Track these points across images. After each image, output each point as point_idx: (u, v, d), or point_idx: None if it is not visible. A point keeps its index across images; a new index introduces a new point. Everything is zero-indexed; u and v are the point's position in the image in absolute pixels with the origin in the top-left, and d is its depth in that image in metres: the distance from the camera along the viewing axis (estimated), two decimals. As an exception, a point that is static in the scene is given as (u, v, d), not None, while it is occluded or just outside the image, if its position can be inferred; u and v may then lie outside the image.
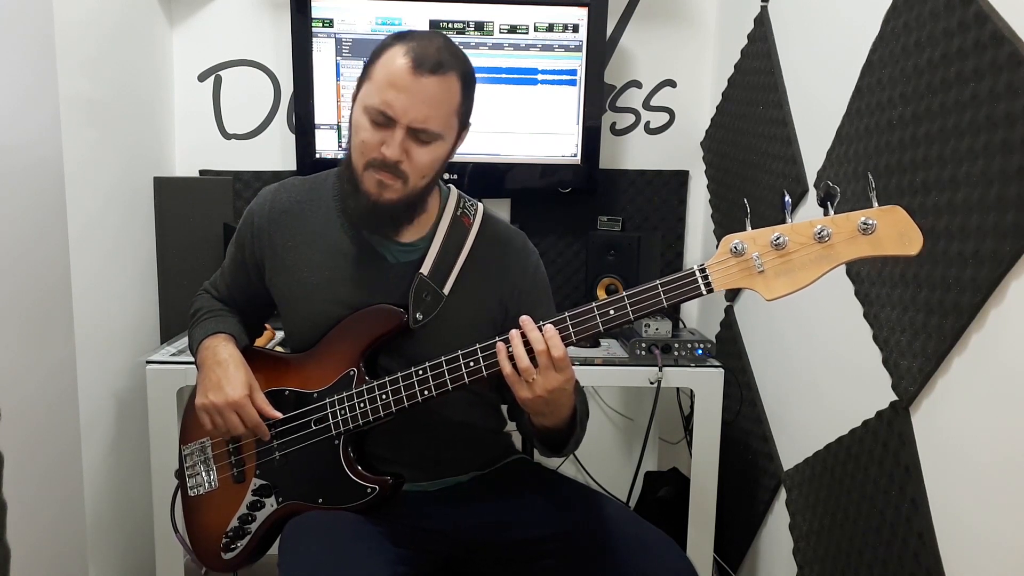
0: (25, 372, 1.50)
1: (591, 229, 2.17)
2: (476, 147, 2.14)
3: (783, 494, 1.77)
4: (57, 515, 1.64)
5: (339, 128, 2.14)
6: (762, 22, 1.92)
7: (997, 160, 1.07)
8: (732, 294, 2.10)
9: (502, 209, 2.29)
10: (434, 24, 2.09)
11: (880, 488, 1.35)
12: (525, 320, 1.13)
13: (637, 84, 2.32)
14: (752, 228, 1.05)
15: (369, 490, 1.25)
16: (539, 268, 1.36)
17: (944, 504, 1.20)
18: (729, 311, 2.12)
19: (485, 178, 2.16)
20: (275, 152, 2.28)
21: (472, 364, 1.17)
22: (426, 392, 1.20)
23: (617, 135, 2.33)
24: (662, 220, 2.36)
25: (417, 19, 2.08)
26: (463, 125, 1.25)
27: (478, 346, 1.17)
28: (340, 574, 1.13)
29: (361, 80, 1.22)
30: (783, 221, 1.05)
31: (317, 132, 2.14)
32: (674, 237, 2.37)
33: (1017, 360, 1.05)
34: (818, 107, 1.63)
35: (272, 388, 1.30)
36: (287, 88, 2.24)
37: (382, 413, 1.23)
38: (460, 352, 1.18)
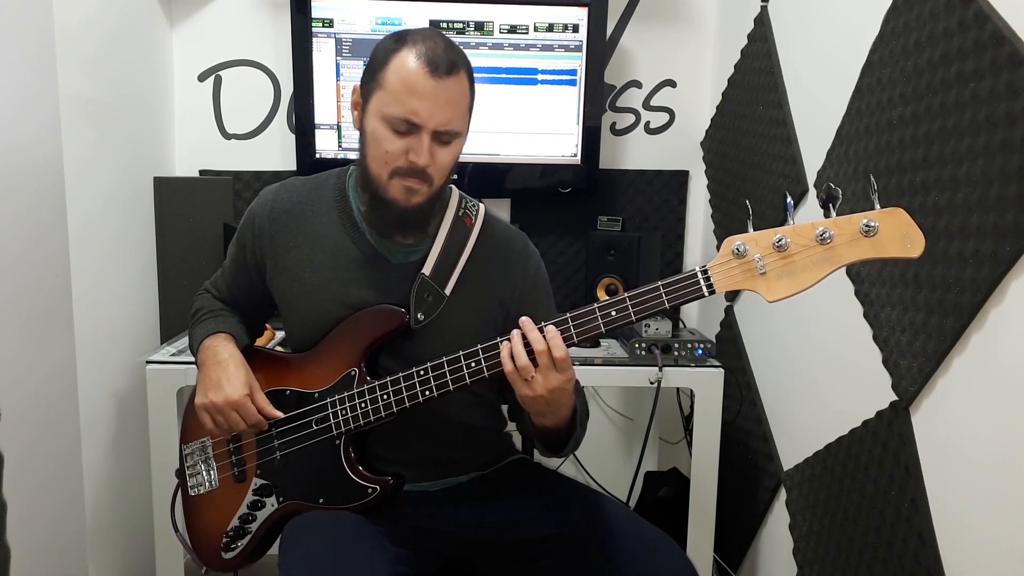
0: (25, 372, 1.50)
1: (591, 229, 2.17)
2: (476, 147, 2.14)
3: (783, 494, 1.77)
4: (57, 515, 1.64)
5: (339, 128, 2.14)
6: (762, 22, 1.92)
7: (997, 160, 1.07)
8: (732, 294, 2.10)
9: (502, 209, 2.29)
10: (434, 24, 2.09)
11: (880, 488, 1.36)
12: (525, 321, 1.13)
13: (637, 84, 2.32)
14: (754, 230, 1.05)
15: (370, 490, 1.25)
16: (540, 269, 1.36)
17: (944, 504, 1.20)
18: (729, 311, 2.12)
19: (485, 178, 2.16)
20: (275, 152, 2.28)
21: (473, 364, 1.17)
22: (427, 392, 1.20)
23: (617, 135, 2.33)
24: (662, 220, 2.36)
25: (417, 19, 2.08)
26: (471, 119, 1.26)
27: (479, 346, 1.17)
28: (340, 574, 1.13)
29: (370, 88, 1.20)
30: (784, 222, 1.06)
31: (317, 132, 2.14)
32: (674, 237, 2.37)
33: (1017, 360, 1.05)
34: (818, 107, 1.63)
35: (273, 388, 1.30)
36: (287, 88, 2.24)
37: (383, 413, 1.23)
38: (461, 352, 1.18)
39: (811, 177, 1.64)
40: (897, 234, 1.00)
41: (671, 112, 2.33)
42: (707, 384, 1.85)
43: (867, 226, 1.00)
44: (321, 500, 1.27)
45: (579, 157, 2.17)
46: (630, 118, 2.33)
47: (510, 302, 1.32)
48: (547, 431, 1.23)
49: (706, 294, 1.07)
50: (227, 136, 2.28)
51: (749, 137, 1.98)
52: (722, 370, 1.85)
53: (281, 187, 1.35)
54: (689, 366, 1.85)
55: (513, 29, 2.10)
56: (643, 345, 1.86)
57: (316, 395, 1.28)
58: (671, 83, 2.32)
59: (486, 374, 1.17)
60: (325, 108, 2.12)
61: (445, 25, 2.09)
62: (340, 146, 2.15)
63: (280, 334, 1.91)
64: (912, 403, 1.27)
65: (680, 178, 2.35)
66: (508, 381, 1.14)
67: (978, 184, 1.10)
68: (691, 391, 1.90)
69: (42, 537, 1.57)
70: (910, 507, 1.26)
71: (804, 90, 1.72)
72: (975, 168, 1.11)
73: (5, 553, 1.39)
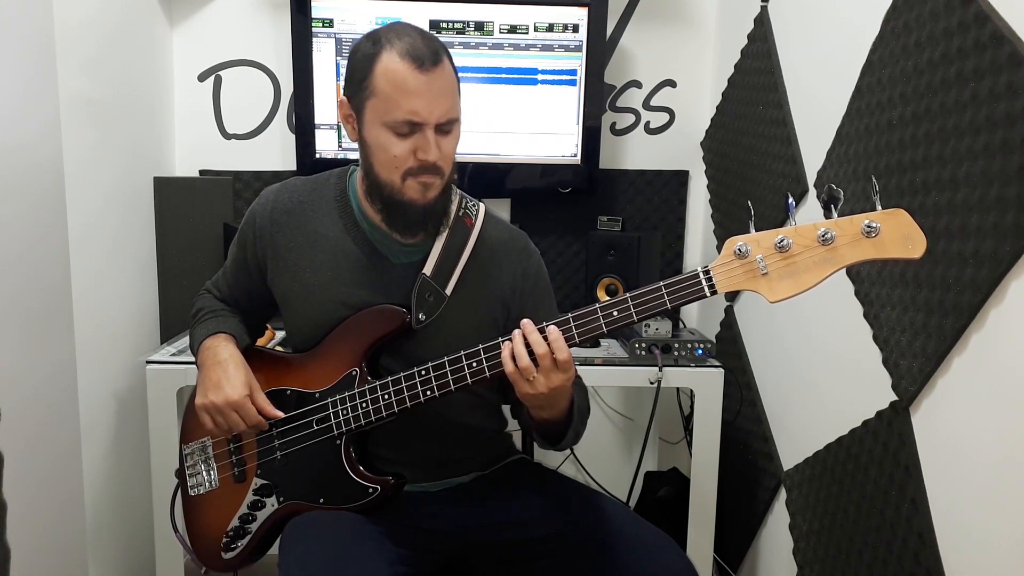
0: (25, 372, 1.50)
1: (591, 229, 2.17)
2: (476, 147, 2.14)
3: (783, 494, 1.77)
4: (57, 515, 1.64)
5: (339, 128, 2.14)
6: (762, 22, 1.92)
7: (997, 160, 1.07)
8: (733, 295, 2.10)
9: (502, 209, 2.29)
10: (434, 24, 2.09)
11: (880, 488, 1.36)
12: (526, 323, 1.13)
13: (637, 84, 2.32)
14: (755, 230, 1.05)
15: (371, 490, 1.25)
16: (541, 269, 1.36)
17: (944, 504, 1.20)
18: (729, 311, 2.12)
19: (485, 178, 2.16)
20: (275, 152, 2.28)
21: (475, 364, 1.17)
22: (428, 392, 1.20)
23: (617, 135, 2.33)
24: (662, 220, 2.36)
25: (417, 19, 2.08)
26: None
27: (481, 346, 1.17)
28: (340, 574, 1.13)
29: (360, 98, 1.19)
30: (785, 222, 1.06)
31: (317, 132, 2.14)
32: (674, 237, 2.38)
33: (1017, 360, 1.05)
34: (818, 107, 1.63)
35: (274, 388, 1.30)
36: (287, 88, 2.24)
37: (384, 413, 1.23)
38: (463, 352, 1.18)
39: (811, 177, 1.64)
40: (899, 235, 1.00)
41: (671, 112, 2.33)
42: (707, 384, 1.85)
43: (869, 227, 1.00)
44: (321, 500, 1.27)
45: (579, 157, 2.17)
46: (630, 118, 2.33)
47: (511, 302, 1.32)
48: (546, 423, 1.23)
49: (708, 295, 1.07)
50: (227, 136, 2.28)
51: (749, 137, 1.98)
52: (722, 370, 1.85)
53: (282, 187, 1.35)
54: (689, 366, 1.85)
55: (513, 29, 2.10)
56: (643, 345, 1.86)
57: (317, 395, 1.28)
58: (671, 83, 2.32)
59: (487, 374, 1.17)
60: (325, 108, 2.12)
61: (445, 25, 2.09)
62: (340, 146, 2.15)
63: (280, 334, 1.90)
64: (912, 403, 1.27)
65: (680, 178, 2.35)
66: (509, 380, 1.14)
67: (978, 184, 1.10)
68: (691, 391, 1.90)
69: (42, 537, 1.57)
70: (910, 507, 1.26)
71: (804, 90, 1.72)
72: (975, 168, 1.11)
73: (5, 553, 1.39)
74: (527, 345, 1.12)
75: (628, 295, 1.11)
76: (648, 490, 2.27)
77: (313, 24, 2.08)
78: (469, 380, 1.18)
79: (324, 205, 1.31)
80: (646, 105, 2.33)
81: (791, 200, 1.07)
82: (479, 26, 2.10)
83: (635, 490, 2.25)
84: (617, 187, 2.33)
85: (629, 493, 2.23)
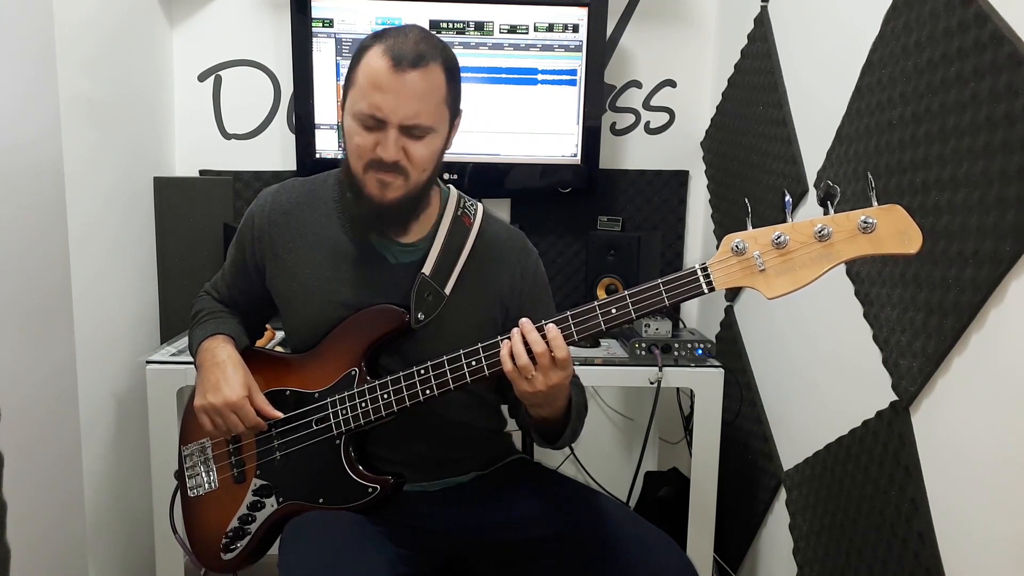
0: (25, 372, 1.50)
1: (591, 229, 2.17)
2: (476, 147, 2.14)
3: (783, 494, 1.77)
4: (57, 515, 1.64)
5: (339, 128, 2.13)
6: (762, 22, 1.92)
7: (997, 160, 1.07)
8: (732, 294, 2.10)
9: (502, 209, 2.29)
10: (434, 24, 2.09)
11: (880, 488, 1.35)
12: (524, 322, 1.13)
13: (637, 84, 2.32)
14: (753, 227, 1.05)
15: (370, 490, 1.25)
16: (539, 268, 1.36)
17: (944, 504, 1.20)
18: (729, 311, 2.12)
19: (485, 178, 2.16)
20: (275, 152, 2.28)
21: (474, 363, 1.17)
22: (427, 391, 1.20)
23: (617, 135, 2.33)
24: (662, 220, 2.36)
25: (417, 19, 2.07)
26: (454, 113, 1.25)
27: (480, 345, 1.17)
28: (340, 574, 1.13)
29: (346, 86, 1.21)
30: (784, 220, 1.06)
31: (317, 132, 2.14)
32: (674, 237, 2.37)
33: (1017, 360, 1.05)
34: (818, 107, 1.63)
35: (273, 388, 1.30)
36: (287, 88, 2.24)
37: (383, 413, 1.23)
38: (462, 351, 1.18)
39: (811, 177, 1.64)
40: (895, 230, 1.00)
41: (671, 112, 2.33)
42: (707, 384, 1.85)
43: (865, 222, 1.00)
44: (321, 500, 1.27)
45: (579, 157, 2.17)
46: (630, 118, 2.33)
47: (509, 301, 1.32)
48: (544, 421, 1.23)
49: (706, 291, 1.07)
50: (227, 136, 2.28)
51: (749, 137, 1.98)
52: (722, 370, 1.85)
53: (280, 188, 1.35)
54: (689, 366, 1.85)
55: (513, 29, 2.10)
56: (643, 345, 1.86)
57: (316, 395, 1.28)
58: (671, 83, 2.32)
59: (486, 373, 1.17)
60: (325, 108, 2.12)
61: (445, 25, 2.09)
62: (340, 146, 2.15)
63: (280, 334, 1.91)
64: (912, 403, 1.27)
65: (680, 178, 2.35)
66: (508, 379, 1.14)
67: (978, 184, 1.10)
68: (691, 391, 1.90)
69: (42, 537, 1.57)
70: (910, 507, 1.26)
71: (804, 90, 1.72)
72: (975, 168, 1.11)
73: (5, 553, 1.39)
74: (525, 344, 1.12)
75: (626, 292, 1.11)
76: (648, 490, 2.27)
77: (313, 24, 2.08)
78: (468, 379, 1.18)
79: (322, 206, 1.31)
80: (646, 105, 2.33)
81: (788, 198, 1.07)
82: (479, 26, 2.10)
83: (635, 490, 2.24)
84: (617, 187, 2.33)
85: (629, 493, 2.22)
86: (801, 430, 1.70)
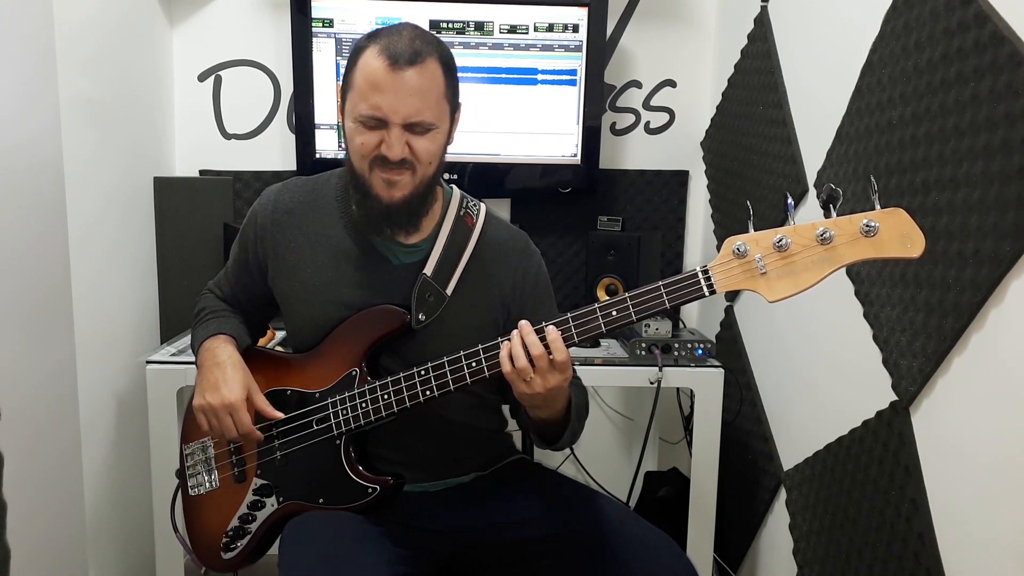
0: (25, 372, 1.50)
1: (591, 229, 2.17)
2: (476, 147, 2.14)
3: (783, 494, 1.77)
4: (57, 515, 1.64)
5: (339, 128, 2.14)
6: (762, 22, 1.92)
7: (997, 160, 1.07)
8: (732, 294, 2.10)
9: (502, 209, 2.29)
10: (434, 24, 2.09)
11: (880, 488, 1.36)
12: (523, 324, 1.13)
13: (637, 84, 2.32)
14: (754, 230, 1.05)
15: (370, 490, 1.25)
16: (541, 269, 1.36)
17: (944, 504, 1.20)
18: (729, 311, 2.12)
19: (485, 178, 2.16)
20: (275, 152, 2.28)
21: (474, 364, 1.17)
22: (428, 392, 1.20)
23: (617, 135, 2.33)
24: (662, 220, 2.36)
25: (417, 19, 2.06)
26: (454, 107, 1.25)
27: (480, 346, 1.17)
28: (340, 574, 1.13)
29: (344, 90, 1.21)
30: (784, 222, 1.06)
31: (317, 132, 2.14)
32: (674, 237, 2.37)
33: (1017, 360, 1.05)
34: (818, 107, 1.63)
35: (274, 388, 1.30)
36: (287, 88, 2.24)
37: (384, 413, 1.23)
38: (462, 352, 1.18)
39: (811, 177, 1.64)
40: (897, 234, 1.00)
41: (671, 112, 2.33)
42: (707, 384, 1.85)
43: (867, 226, 1.00)
44: (321, 500, 1.27)
45: (579, 157, 2.17)
46: (630, 118, 2.33)
47: (511, 302, 1.32)
48: (543, 423, 1.23)
49: (707, 294, 1.07)
50: (227, 136, 2.28)
51: (749, 137, 1.98)
52: (722, 370, 1.85)
53: (283, 187, 1.35)
54: (689, 366, 1.85)
55: (513, 29, 2.10)
56: (643, 345, 1.86)
57: (317, 395, 1.28)
58: (671, 83, 2.32)
59: (487, 374, 1.17)
60: (325, 108, 2.12)
61: (445, 25, 2.09)
62: (340, 146, 2.15)
63: (281, 334, 1.91)
64: (912, 403, 1.27)
65: (680, 178, 2.35)
66: (507, 379, 1.14)
67: (978, 184, 1.10)
68: (691, 391, 1.90)
69: (42, 537, 1.57)
70: (910, 507, 1.26)
71: (804, 90, 1.72)
72: (975, 168, 1.11)
73: (5, 553, 1.39)
74: (524, 346, 1.12)
75: (627, 295, 1.11)
76: (648, 490, 2.27)
77: (313, 24, 2.08)
78: (468, 380, 1.18)
79: (325, 205, 1.31)
80: (646, 105, 2.33)
81: (790, 200, 1.07)
82: (479, 26, 2.09)
83: (635, 490, 2.24)
84: (617, 187, 2.33)
85: (629, 493, 2.23)
86: (801, 430, 1.70)
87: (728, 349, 2.08)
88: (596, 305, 1.12)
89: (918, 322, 1.24)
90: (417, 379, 1.21)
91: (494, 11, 2.09)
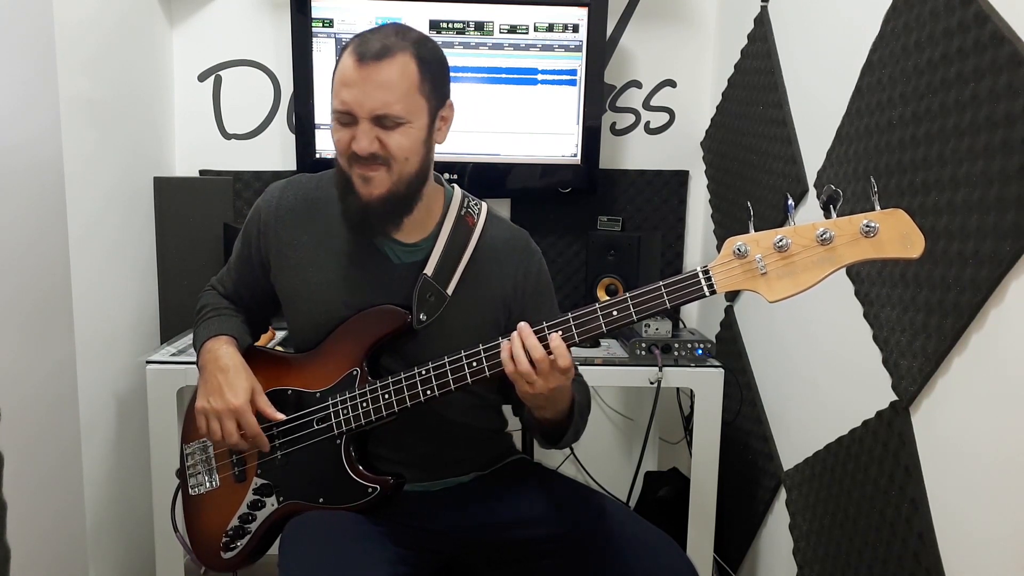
0: (25, 372, 1.50)
1: (591, 229, 2.17)
2: (476, 147, 2.14)
3: (783, 494, 1.77)
4: (57, 515, 1.64)
5: (339, 128, 2.14)
6: (762, 22, 1.92)
7: (997, 160, 1.07)
8: (732, 295, 2.10)
9: (502, 209, 2.29)
10: (434, 24, 2.09)
11: (880, 488, 1.36)
12: (522, 327, 1.13)
13: (637, 84, 2.32)
14: (755, 230, 1.05)
15: (370, 490, 1.25)
16: (542, 268, 1.36)
17: (944, 504, 1.20)
18: (729, 311, 2.12)
19: (485, 178, 2.16)
20: (275, 152, 2.28)
21: (475, 364, 1.17)
22: (428, 392, 1.20)
23: (617, 135, 2.33)
24: (662, 220, 2.36)
25: (417, 19, 2.08)
26: (436, 104, 1.23)
27: (481, 346, 1.17)
28: (340, 574, 1.13)
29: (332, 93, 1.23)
30: (784, 222, 1.06)
31: (317, 132, 2.14)
32: (674, 237, 2.37)
33: (1017, 360, 1.05)
34: (818, 107, 1.63)
35: (274, 388, 1.30)
36: (287, 88, 2.24)
37: (384, 413, 1.23)
38: (463, 352, 1.18)
39: (811, 177, 1.64)
40: (897, 234, 1.00)
41: (671, 112, 2.33)
42: (707, 384, 1.85)
43: (867, 227, 1.00)
44: (321, 500, 1.27)
45: (579, 157, 2.17)
46: (630, 118, 2.33)
47: (512, 301, 1.32)
48: (547, 422, 1.23)
49: (707, 294, 1.07)
50: (227, 136, 2.28)
51: (749, 137, 1.98)
52: (722, 370, 1.85)
53: (287, 184, 1.35)
54: (689, 366, 1.85)
55: (513, 29, 2.10)
56: (643, 345, 1.86)
57: (318, 395, 1.28)
58: (671, 83, 2.32)
59: (487, 373, 1.17)
60: (325, 108, 2.12)
61: (445, 25, 2.09)
62: (340, 146, 2.15)
63: (281, 334, 1.91)
64: (912, 403, 1.27)
65: (680, 178, 2.35)
66: (509, 380, 1.14)
67: (978, 184, 1.10)
68: (691, 391, 1.90)
69: (42, 537, 1.57)
70: (910, 507, 1.26)
71: (804, 90, 1.72)
72: (975, 168, 1.11)
73: (5, 553, 1.39)
74: (525, 349, 1.12)
75: (628, 295, 1.11)
76: (648, 490, 2.27)
77: (313, 24, 2.08)
78: (469, 380, 1.18)
79: (328, 203, 1.31)
80: (646, 105, 2.33)
81: (790, 201, 1.07)
82: (479, 26, 2.09)
83: (635, 490, 2.25)
84: (617, 187, 2.33)
85: (629, 493, 2.23)
86: (801, 430, 1.70)
87: (728, 349, 2.09)
88: (597, 305, 1.13)
89: (918, 322, 1.24)
90: (418, 379, 1.21)
91: (494, 11, 2.09)
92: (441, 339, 1.25)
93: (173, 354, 1.85)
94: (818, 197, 1.61)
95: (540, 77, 2.13)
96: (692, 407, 1.90)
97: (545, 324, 1.13)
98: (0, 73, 1.42)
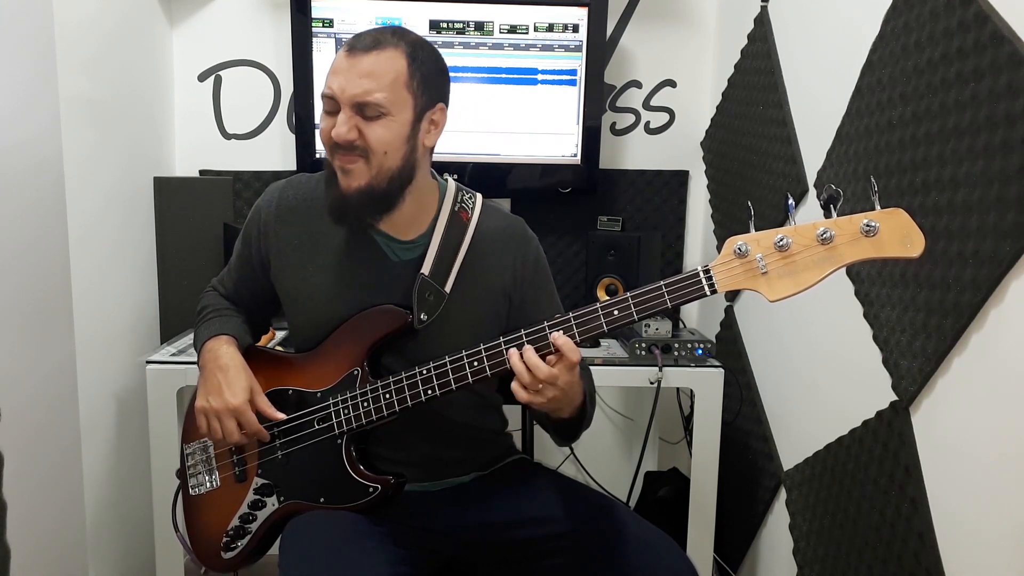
0: (25, 372, 1.50)
1: (591, 229, 2.17)
2: (476, 147, 2.14)
3: (783, 494, 1.77)
4: (57, 515, 1.64)
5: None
6: (762, 22, 1.92)
7: (997, 160, 1.07)
8: (732, 294, 2.10)
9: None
10: (434, 24, 2.09)
11: (880, 488, 1.36)
12: (527, 351, 1.12)
13: (637, 84, 2.32)
14: (755, 230, 1.05)
15: (371, 490, 1.25)
16: (540, 254, 1.36)
17: (944, 504, 1.20)
18: (729, 311, 2.12)
19: (485, 178, 2.16)
20: (275, 152, 2.28)
21: (476, 363, 1.17)
22: (429, 392, 1.20)
23: (617, 135, 2.33)
24: (662, 220, 2.36)
25: (417, 19, 2.08)
26: (427, 104, 1.22)
27: (482, 346, 1.17)
28: (340, 574, 1.13)
29: None
30: (784, 222, 1.06)
31: (317, 132, 2.13)
32: (674, 237, 2.38)
33: (1017, 360, 1.05)
34: (818, 107, 1.63)
35: (275, 388, 1.30)
36: (287, 88, 2.24)
37: (385, 413, 1.23)
38: (464, 351, 1.18)
39: (811, 177, 1.64)
40: (897, 234, 1.00)
41: (671, 112, 2.33)
42: (707, 384, 1.85)
43: (868, 226, 1.00)
44: (322, 499, 1.27)
45: (579, 157, 2.17)
46: (630, 118, 2.34)
47: (512, 290, 1.32)
48: (564, 421, 1.24)
49: (708, 294, 1.07)
50: (227, 136, 2.28)
51: (749, 137, 1.98)
52: (722, 370, 1.85)
53: (287, 184, 1.35)
54: (689, 366, 1.85)
55: (513, 29, 2.10)
56: (643, 345, 1.86)
57: (318, 395, 1.28)
58: (671, 83, 2.32)
59: (488, 372, 1.17)
60: (325, 108, 2.12)
61: (445, 25, 2.09)
62: (340, 146, 2.15)
63: (281, 334, 1.91)
64: (912, 403, 1.27)
65: (680, 178, 2.35)
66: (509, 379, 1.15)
67: (978, 184, 1.10)
68: (691, 391, 1.90)
69: (42, 537, 1.57)
70: (910, 507, 1.26)
71: (804, 90, 1.72)
72: (975, 168, 1.11)
73: (5, 553, 1.39)
74: (539, 350, 1.12)
75: (628, 294, 1.11)
76: (648, 490, 2.27)
77: (313, 24, 2.08)
78: (470, 379, 1.18)
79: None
80: (646, 105, 2.33)
81: (791, 200, 1.07)
82: (479, 26, 2.09)
83: (635, 490, 2.25)
84: (617, 187, 2.33)
85: (629, 493, 2.23)
86: (801, 430, 1.70)
87: (728, 349, 2.09)
88: (598, 304, 1.13)
89: (918, 322, 1.24)
90: (419, 378, 1.21)
91: (494, 11, 2.09)
92: (443, 336, 1.25)
93: (173, 354, 1.84)
94: (818, 197, 1.61)
95: (540, 77, 2.13)
96: (692, 407, 1.90)
97: (546, 324, 1.14)
98: (0, 73, 1.42)
